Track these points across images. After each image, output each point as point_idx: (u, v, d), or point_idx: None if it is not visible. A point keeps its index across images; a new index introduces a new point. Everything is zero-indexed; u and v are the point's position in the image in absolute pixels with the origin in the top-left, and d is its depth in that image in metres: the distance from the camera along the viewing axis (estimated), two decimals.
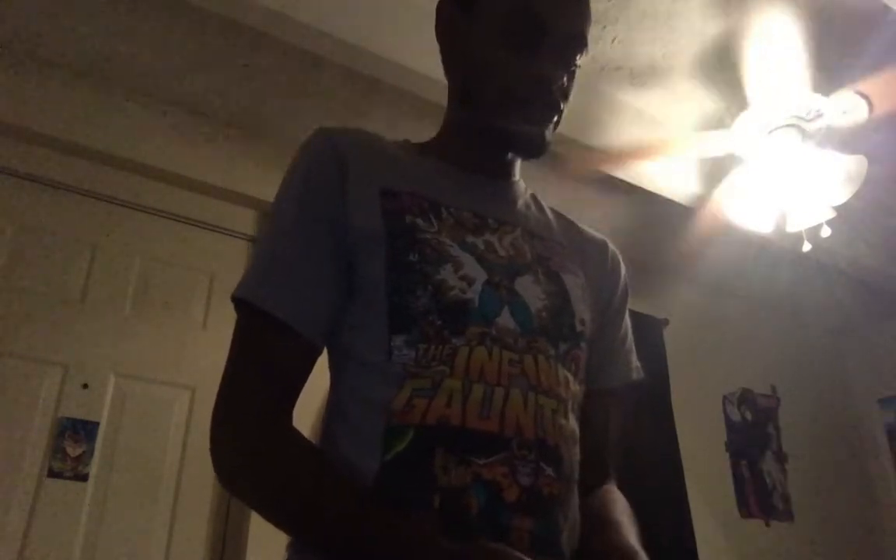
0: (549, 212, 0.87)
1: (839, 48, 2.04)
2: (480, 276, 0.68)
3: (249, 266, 0.70)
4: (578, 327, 0.74)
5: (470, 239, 0.71)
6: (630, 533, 0.71)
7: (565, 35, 0.74)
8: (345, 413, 0.68)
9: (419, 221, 0.69)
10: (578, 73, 0.79)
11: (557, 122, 0.77)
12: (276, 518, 0.63)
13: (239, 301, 0.68)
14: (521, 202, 0.82)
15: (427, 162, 0.79)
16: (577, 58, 0.77)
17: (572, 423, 0.70)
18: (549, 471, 0.65)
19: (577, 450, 0.71)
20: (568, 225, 0.87)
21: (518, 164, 0.84)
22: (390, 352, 0.64)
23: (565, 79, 0.75)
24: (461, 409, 0.62)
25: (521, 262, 0.73)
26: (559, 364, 0.70)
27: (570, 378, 0.71)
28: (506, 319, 0.67)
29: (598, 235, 0.90)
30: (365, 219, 0.69)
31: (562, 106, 0.76)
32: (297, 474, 0.62)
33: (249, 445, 0.64)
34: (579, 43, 0.76)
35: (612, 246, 0.90)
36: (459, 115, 0.81)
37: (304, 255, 0.68)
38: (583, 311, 0.75)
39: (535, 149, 0.76)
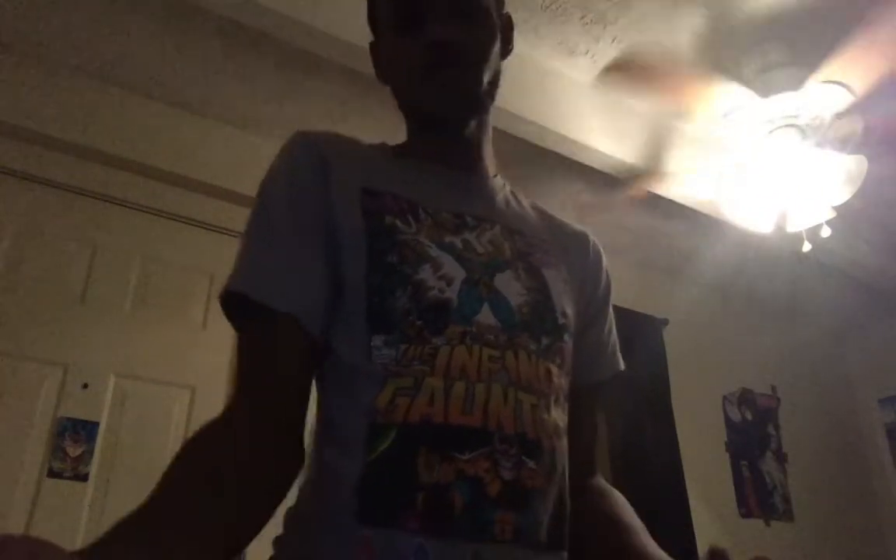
0: (528, 207, 0.87)
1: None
2: (459, 274, 0.69)
3: (240, 261, 0.68)
4: (560, 320, 0.74)
5: (448, 239, 0.71)
6: (650, 539, 0.74)
7: None
8: (330, 415, 0.68)
9: (398, 223, 0.70)
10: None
11: (483, 75, 0.75)
12: None
13: (235, 295, 0.65)
14: (499, 198, 0.82)
15: (403, 163, 0.79)
16: (477, 7, 0.76)
17: (555, 417, 0.70)
18: (531, 464, 0.65)
19: (562, 442, 0.71)
20: (548, 219, 0.87)
21: (488, 153, 0.83)
22: (370, 352, 0.64)
23: (466, 32, 0.74)
24: (443, 406, 0.63)
25: (500, 259, 0.73)
26: (541, 358, 0.70)
27: (555, 371, 0.72)
28: (486, 316, 0.68)
29: (579, 228, 0.89)
30: (347, 219, 0.69)
31: (476, 58, 0.75)
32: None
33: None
34: None
35: (593, 237, 0.89)
36: (407, 119, 0.83)
37: (294, 247, 0.67)
38: (565, 305, 0.76)
39: (462, 109, 0.77)
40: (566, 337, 0.75)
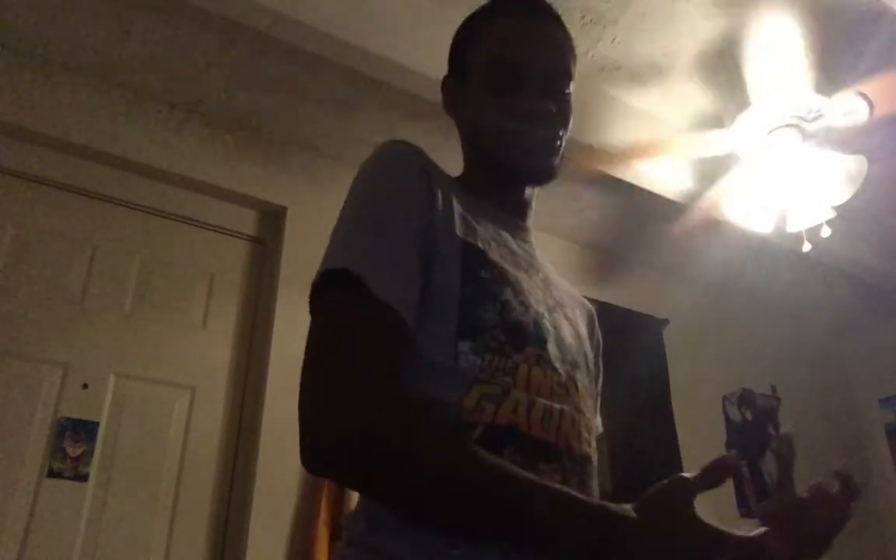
0: (551, 266, 0.95)
1: (841, 49, 2.04)
2: (532, 304, 0.76)
3: (348, 243, 0.68)
4: (590, 366, 0.84)
5: (515, 271, 0.78)
6: None
7: (544, 72, 0.82)
8: None
9: (481, 245, 0.75)
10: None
11: (559, 148, 0.84)
12: (433, 502, 0.60)
13: (339, 274, 0.64)
14: (538, 252, 0.90)
15: (471, 197, 0.83)
16: (565, 88, 0.84)
17: (594, 445, 0.79)
18: (589, 484, 0.73)
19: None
20: (565, 283, 0.95)
21: (533, 210, 0.91)
22: (457, 355, 0.68)
23: (555, 107, 0.82)
24: (526, 417, 0.68)
25: (551, 302, 0.82)
26: (587, 393, 0.79)
27: (593, 407, 0.81)
28: (552, 346, 0.75)
29: (583, 298, 0.98)
30: (445, 230, 0.73)
31: (558, 133, 0.83)
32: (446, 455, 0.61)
33: (390, 427, 0.60)
34: (560, 76, 0.84)
35: (593, 310, 0.98)
36: (475, 162, 0.89)
37: (402, 246, 0.68)
38: (590, 354, 0.85)
39: (539, 175, 0.85)
40: (592, 381, 0.85)
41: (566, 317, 0.83)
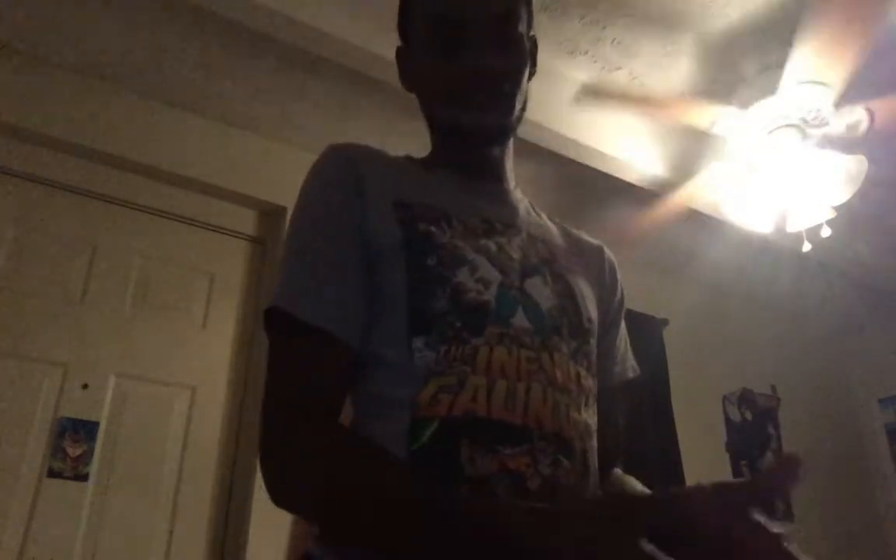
0: (546, 218, 0.90)
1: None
2: (495, 278, 0.71)
3: (281, 280, 0.71)
4: (586, 325, 0.77)
5: (482, 242, 0.74)
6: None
7: (485, 20, 0.75)
8: (368, 412, 0.70)
9: (433, 229, 0.72)
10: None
11: (513, 101, 0.78)
12: (350, 519, 0.61)
13: (276, 312, 0.68)
14: (522, 208, 0.85)
15: (431, 174, 0.81)
16: (515, 31, 0.77)
17: (584, 417, 0.73)
18: (566, 463, 0.67)
19: (592, 442, 0.73)
20: (565, 230, 0.90)
21: (509, 166, 0.86)
22: (412, 353, 0.67)
23: (502, 58, 0.76)
24: (486, 402, 0.65)
25: (529, 264, 0.76)
26: (571, 360, 0.73)
27: (583, 373, 0.75)
28: (520, 319, 0.70)
29: (594, 241, 0.93)
30: (383, 229, 0.71)
31: (509, 86, 0.77)
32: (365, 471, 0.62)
33: (310, 457, 0.63)
34: (504, 20, 0.76)
35: (607, 251, 0.92)
36: (432, 130, 0.86)
37: (333, 265, 0.70)
38: (589, 310, 0.79)
39: (489, 135, 0.80)
40: (591, 341, 0.78)
41: (553, 274, 0.77)
